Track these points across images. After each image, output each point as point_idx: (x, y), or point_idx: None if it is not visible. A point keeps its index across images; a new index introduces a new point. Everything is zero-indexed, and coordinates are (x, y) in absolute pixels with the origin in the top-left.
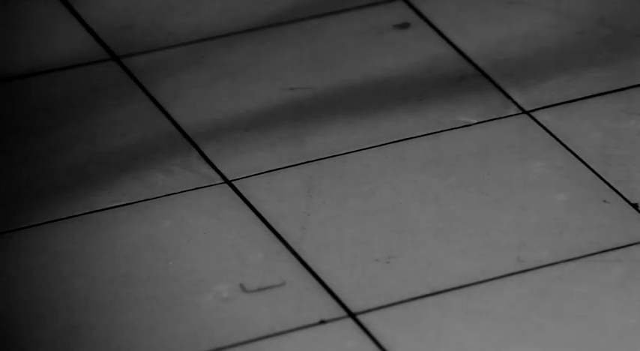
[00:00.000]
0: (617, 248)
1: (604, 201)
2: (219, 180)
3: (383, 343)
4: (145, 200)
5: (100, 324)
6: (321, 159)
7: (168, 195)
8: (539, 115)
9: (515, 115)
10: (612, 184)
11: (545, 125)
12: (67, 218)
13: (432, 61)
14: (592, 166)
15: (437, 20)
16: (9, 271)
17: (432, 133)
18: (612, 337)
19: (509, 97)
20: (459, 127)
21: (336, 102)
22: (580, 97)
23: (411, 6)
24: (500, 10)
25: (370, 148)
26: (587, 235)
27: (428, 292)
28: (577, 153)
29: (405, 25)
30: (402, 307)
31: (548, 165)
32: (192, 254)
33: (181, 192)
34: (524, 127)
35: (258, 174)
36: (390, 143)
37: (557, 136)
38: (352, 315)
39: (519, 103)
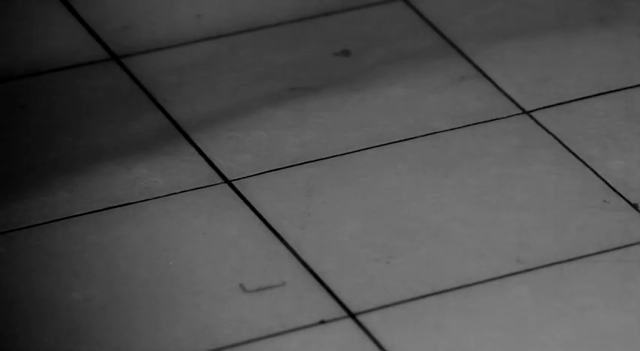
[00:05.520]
0: (617, 248)
1: (604, 201)
2: (219, 180)
3: (383, 343)
4: (145, 200)
5: (100, 324)
6: (321, 159)
7: (169, 195)
8: (539, 115)
9: (515, 115)
10: (612, 184)
11: (545, 125)
12: (67, 218)
13: (431, 61)
14: (592, 166)
15: (434, 18)
16: (9, 271)
17: (432, 133)
18: (612, 337)
19: (509, 97)
20: (459, 127)
21: (335, 102)
22: (580, 97)
23: (409, 4)
24: (500, 6)
25: (370, 148)
26: (587, 235)
27: (428, 292)
28: (577, 153)
29: (403, 25)
30: (402, 307)
31: (548, 165)
32: (192, 254)
33: (181, 192)
34: (524, 127)
35: (258, 174)
36: (390, 143)
37: (557, 136)
38: (352, 315)
39: (519, 103)
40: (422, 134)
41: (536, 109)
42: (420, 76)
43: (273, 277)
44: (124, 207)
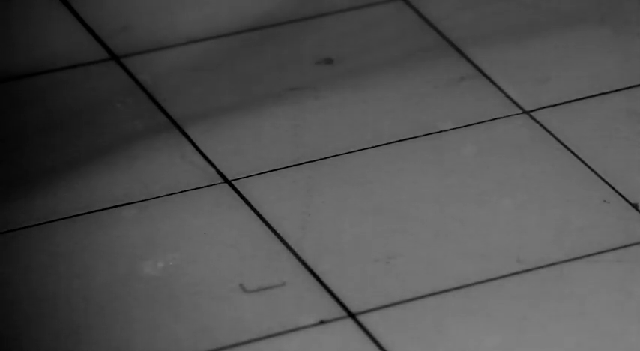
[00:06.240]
0: (617, 248)
1: (604, 201)
2: (219, 180)
3: (383, 343)
4: (145, 200)
5: (100, 324)
6: (321, 159)
7: (168, 195)
8: (539, 115)
9: (515, 115)
10: (612, 184)
11: (545, 125)
12: (67, 218)
13: (431, 61)
14: (592, 166)
15: (434, 18)
16: (9, 271)
17: (432, 133)
18: (612, 338)
19: (509, 97)
20: (459, 127)
21: (336, 102)
22: (580, 97)
23: (409, 4)
24: (497, 7)
25: (370, 148)
26: (587, 235)
27: (428, 292)
28: (577, 153)
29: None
30: (402, 307)
31: (548, 165)
32: (192, 254)
33: (181, 192)
34: (524, 127)
35: (258, 174)
36: (390, 143)
37: (557, 136)
38: (352, 315)
39: (519, 103)
40: (422, 134)
41: (536, 109)
42: (420, 76)
43: (273, 277)
44: (124, 207)
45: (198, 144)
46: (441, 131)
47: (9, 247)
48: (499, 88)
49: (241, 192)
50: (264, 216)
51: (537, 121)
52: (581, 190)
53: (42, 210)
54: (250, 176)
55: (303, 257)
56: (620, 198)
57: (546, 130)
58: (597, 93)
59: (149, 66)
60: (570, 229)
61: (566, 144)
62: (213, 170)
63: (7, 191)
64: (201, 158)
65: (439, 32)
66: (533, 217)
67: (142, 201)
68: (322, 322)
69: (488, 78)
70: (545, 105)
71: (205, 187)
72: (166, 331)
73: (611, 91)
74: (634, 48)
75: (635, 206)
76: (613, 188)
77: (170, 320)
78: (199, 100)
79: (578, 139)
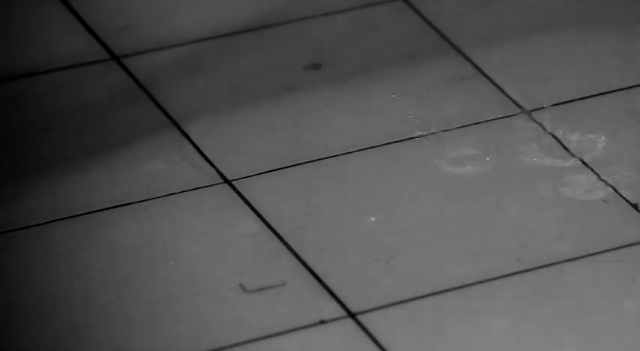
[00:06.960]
0: (617, 248)
1: (604, 201)
2: (219, 180)
3: (383, 343)
4: (145, 200)
5: (100, 324)
6: (321, 159)
7: (168, 195)
8: (539, 115)
9: (515, 115)
10: (612, 184)
11: (544, 125)
12: (67, 218)
13: (431, 61)
14: (592, 166)
15: (434, 18)
16: (9, 271)
17: (432, 133)
18: (612, 338)
19: (509, 97)
20: (459, 127)
21: (336, 102)
22: (580, 97)
23: (409, 4)
24: (499, 6)
25: (370, 148)
26: (587, 235)
27: (428, 292)
28: (577, 153)
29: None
30: (402, 307)
31: (548, 165)
32: (192, 254)
33: (181, 192)
34: (523, 127)
35: (258, 174)
36: (390, 143)
37: (557, 136)
38: (352, 315)
39: (519, 103)
40: (422, 134)
41: (536, 109)
42: (420, 76)
43: (273, 277)
44: (124, 207)
45: (198, 144)
46: (440, 131)
47: (9, 247)
48: (499, 88)
49: (241, 192)
50: (264, 216)
51: (537, 121)
52: (581, 190)
53: (42, 210)
54: (250, 176)
55: (303, 257)
56: (620, 198)
57: (546, 130)
58: (597, 93)
59: (149, 66)
60: (570, 229)
61: (565, 144)
62: (213, 170)
63: (7, 191)
64: (201, 158)
65: (439, 32)
66: (533, 217)
67: (142, 201)
68: (322, 322)
69: (489, 78)
70: (545, 105)
71: (205, 187)
72: (166, 331)
73: (611, 91)
74: (634, 48)
75: (635, 206)
76: (613, 188)
77: (170, 320)
78: (199, 99)
79: (578, 138)
